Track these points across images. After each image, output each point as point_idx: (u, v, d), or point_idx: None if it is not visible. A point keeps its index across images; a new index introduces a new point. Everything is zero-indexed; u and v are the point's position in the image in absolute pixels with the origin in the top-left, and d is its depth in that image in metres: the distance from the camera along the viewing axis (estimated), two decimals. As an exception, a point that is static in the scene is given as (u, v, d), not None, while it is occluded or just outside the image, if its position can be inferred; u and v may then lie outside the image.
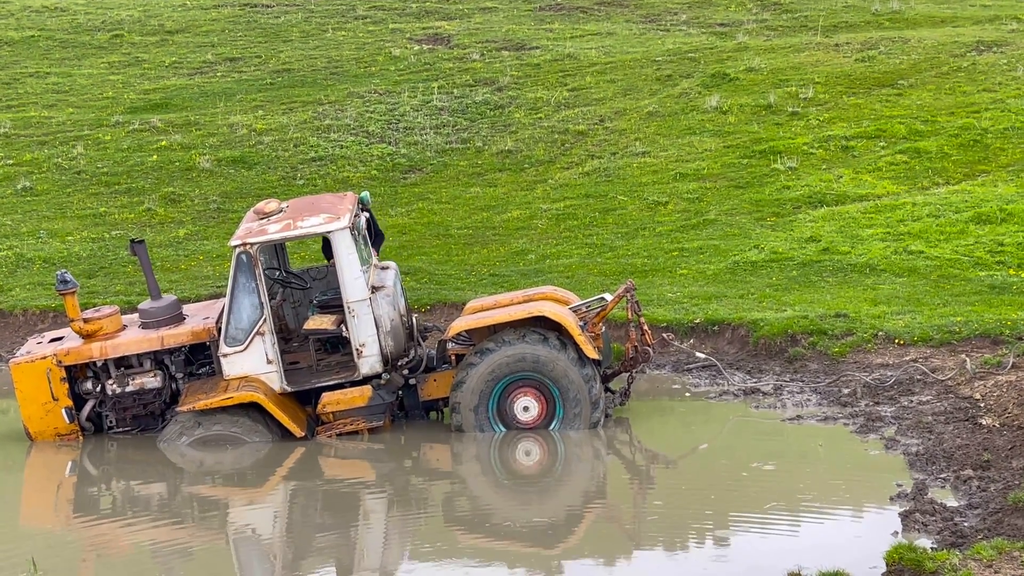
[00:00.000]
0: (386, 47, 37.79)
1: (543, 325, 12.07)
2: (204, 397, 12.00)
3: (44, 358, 12.34)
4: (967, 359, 13.85)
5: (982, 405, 12.22)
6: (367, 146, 29.74)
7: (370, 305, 12.17)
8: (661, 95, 31.27)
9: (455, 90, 33.26)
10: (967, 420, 11.94)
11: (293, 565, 9.99)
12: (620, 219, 23.30)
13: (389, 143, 29.92)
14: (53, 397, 12.30)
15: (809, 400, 13.65)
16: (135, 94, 33.07)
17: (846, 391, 13.66)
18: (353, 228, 12.29)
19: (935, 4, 44.32)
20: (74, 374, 12.55)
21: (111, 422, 12.69)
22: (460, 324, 12.34)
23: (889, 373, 13.97)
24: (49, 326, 18.10)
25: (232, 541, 10.88)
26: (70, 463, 12.26)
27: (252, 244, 11.94)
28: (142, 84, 33.96)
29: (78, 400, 12.59)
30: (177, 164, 28.20)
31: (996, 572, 7.48)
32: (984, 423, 11.67)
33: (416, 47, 37.73)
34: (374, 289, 12.41)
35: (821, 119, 28.09)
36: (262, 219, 12.50)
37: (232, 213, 25.61)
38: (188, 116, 31.47)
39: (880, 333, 15.08)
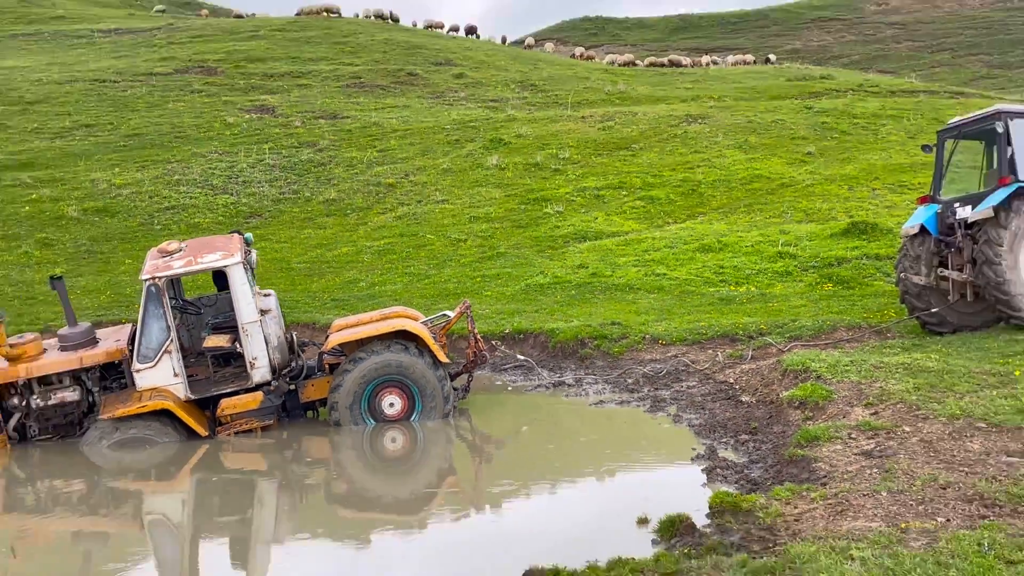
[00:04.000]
0: (221, 115, 38.46)
1: (403, 337, 13.01)
2: (121, 406, 12.45)
3: None
4: (718, 353, 15.09)
5: (737, 387, 13.34)
6: (212, 197, 30.51)
7: (260, 326, 12.94)
8: (452, 155, 33.17)
9: (283, 151, 34.37)
10: (729, 399, 12.93)
11: (198, 543, 10.25)
12: (430, 253, 24.77)
13: (231, 194, 30.79)
14: None
15: (604, 389, 14.55)
16: (3, 155, 32.80)
17: (630, 380, 14.64)
18: (245, 262, 13.08)
19: (652, 87, 48.06)
20: (1, 392, 12.83)
21: (34, 431, 13.04)
22: (336, 339, 13.13)
23: (659, 366, 15.05)
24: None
25: (147, 526, 11.05)
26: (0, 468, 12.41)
27: (160, 277, 12.58)
28: (8, 147, 33.64)
29: (5, 413, 12.86)
30: (47, 214, 28.29)
31: (794, 507, 7.82)
32: (744, 400, 12.74)
33: (247, 116, 38.57)
34: (262, 312, 13.12)
35: (577, 174, 30.44)
36: (165, 256, 13.01)
37: (100, 254, 26.12)
38: (53, 173, 31.46)
39: (647, 336, 16.32)
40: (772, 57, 72.06)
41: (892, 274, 19.66)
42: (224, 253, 13.06)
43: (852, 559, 6.24)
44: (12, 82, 42.44)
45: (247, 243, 13.95)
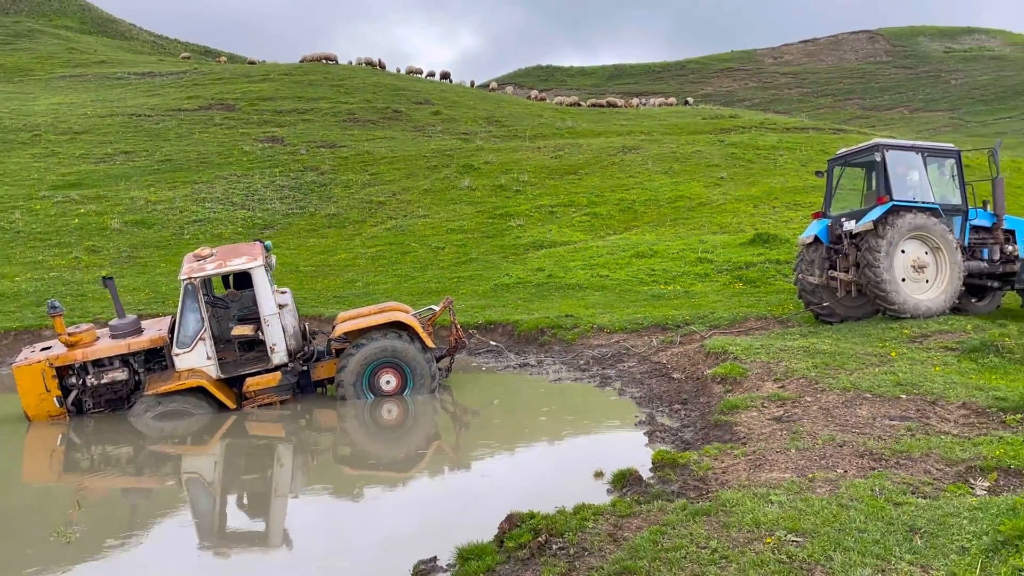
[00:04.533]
0: (239, 145, 38.07)
1: (398, 327, 12.99)
2: (163, 384, 12.38)
3: (39, 362, 12.47)
4: (652, 339, 15.14)
5: (669, 366, 13.37)
6: (233, 212, 30.17)
7: (279, 317, 12.88)
8: (431, 178, 33.12)
9: (291, 174, 34.11)
10: (664, 376, 12.99)
11: (228, 496, 10.10)
12: (414, 259, 24.69)
13: (248, 209, 30.46)
14: (46, 389, 12.45)
15: (561, 369, 14.55)
16: (55, 176, 32.20)
17: (582, 362, 14.66)
18: (266, 265, 13.03)
19: (594, 123, 48.39)
20: (61, 372, 12.67)
21: (89, 405, 12.86)
22: (342, 328, 13.06)
23: (605, 350, 15.08)
24: (12, 342, 18.05)
25: (184, 482, 10.79)
26: (60, 435, 12.27)
27: (196, 278, 12.47)
28: (59, 169, 33.08)
29: (64, 390, 12.72)
30: (94, 225, 27.81)
31: (721, 462, 7.85)
32: (675, 377, 12.76)
33: (260, 145, 38.21)
34: (280, 306, 13.03)
35: (535, 194, 30.55)
36: (200, 260, 12.92)
37: (139, 259, 25.69)
38: (98, 191, 30.93)
39: (594, 325, 16.34)
40: (690, 100, 72.55)
41: (791, 275, 19.91)
42: (248, 258, 12.96)
43: (771, 503, 6.31)
44: (61, 115, 41.70)
45: (267, 249, 13.78)
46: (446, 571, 6.14)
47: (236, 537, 8.48)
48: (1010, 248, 14.58)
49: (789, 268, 20.38)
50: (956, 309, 14.14)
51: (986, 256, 14.51)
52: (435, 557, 6.40)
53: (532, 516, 6.59)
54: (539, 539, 6.11)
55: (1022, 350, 11.34)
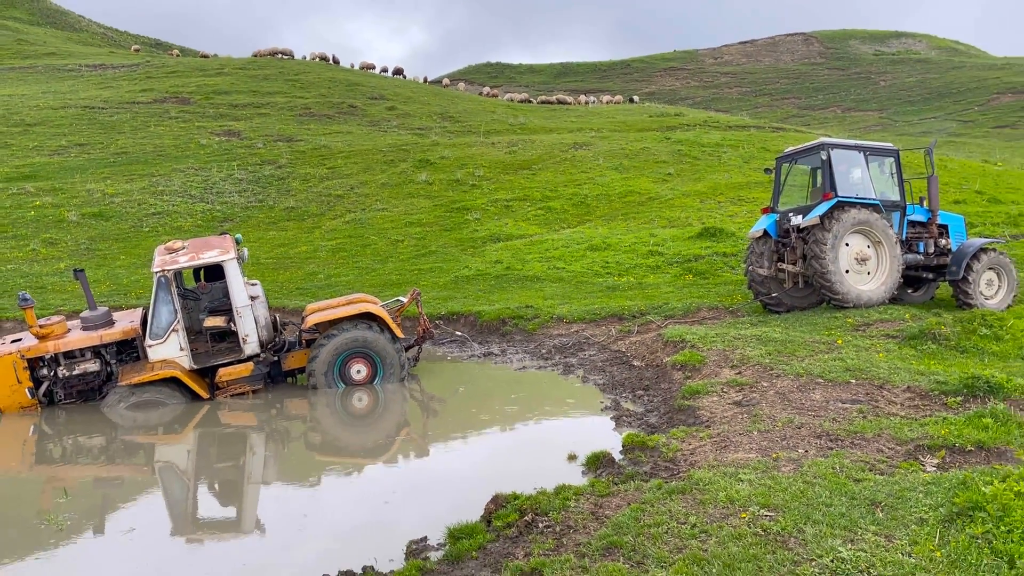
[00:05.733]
0: (195, 138, 37.44)
1: (368, 318, 13.03)
2: (136, 375, 12.24)
3: (10, 354, 12.26)
4: (611, 329, 15.29)
5: (628, 354, 13.54)
6: (191, 204, 29.70)
7: (251, 309, 12.83)
8: (388, 172, 32.99)
9: (248, 167, 33.66)
10: (624, 364, 13.15)
11: (200, 484, 9.93)
12: (374, 251, 24.58)
13: (207, 202, 30.03)
14: (18, 381, 12.24)
15: (524, 358, 14.61)
16: (9, 168, 31.31)
17: (544, 351, 14.76)
18: (238, 258, 12.88)
19: (545, 120, 48.71)
20: (33, 364, 12.47)
21: (60, 396, 12.68)
22: (313, 319, 13.01)
23: (565, 339, 15.20)
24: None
25: (158, 471, 10.56)
26: (32, 426, 12.09)
27: (169, 270, 12.32)
28: (13, 161, 32.13)
29: (36, 382, 12.51)
30: (50, 217, 27.16)
31: (688, 444, 8.00)
32: (635, 364, 12.94)
33: (217, 138, 37.62)
34: (252, 298, 12.99)
35: (490, 188, 30.61)
36: (172, 253, 12.73)
37: (99, 251, 25.18)
38: (53, 184, 30.17)
39: (554, 316, 16.44)
40: (636, 98, 73.22)
41: (737, 267, 20.43)
42: (221, 251, 12.82)
43: (741, 481, 6.55)
44: (13, 107, 40.49)
45: (237, 242, 13.65)
46: (437, 550, 6.25)
47: (227, 525, 8.45)
48: (943, 242, 15.16)
49: (736, 260, 20.87)
50: (893, 299, 14.66)
51: (922, 249, 15.06)
52: (425, 537, 6.51)
53: (516, 497, 6.75)
54: (525, 518, 6.28)
55: (957, 337, 11.84)
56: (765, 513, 5.80)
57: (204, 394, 12.61)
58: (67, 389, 12.72)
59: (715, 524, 5.69)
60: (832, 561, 4.89)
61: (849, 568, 4.77)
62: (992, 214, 25.09)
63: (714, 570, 4.94)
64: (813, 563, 4.92)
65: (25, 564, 7.12)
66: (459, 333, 16.38)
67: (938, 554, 4.86)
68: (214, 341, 13.56)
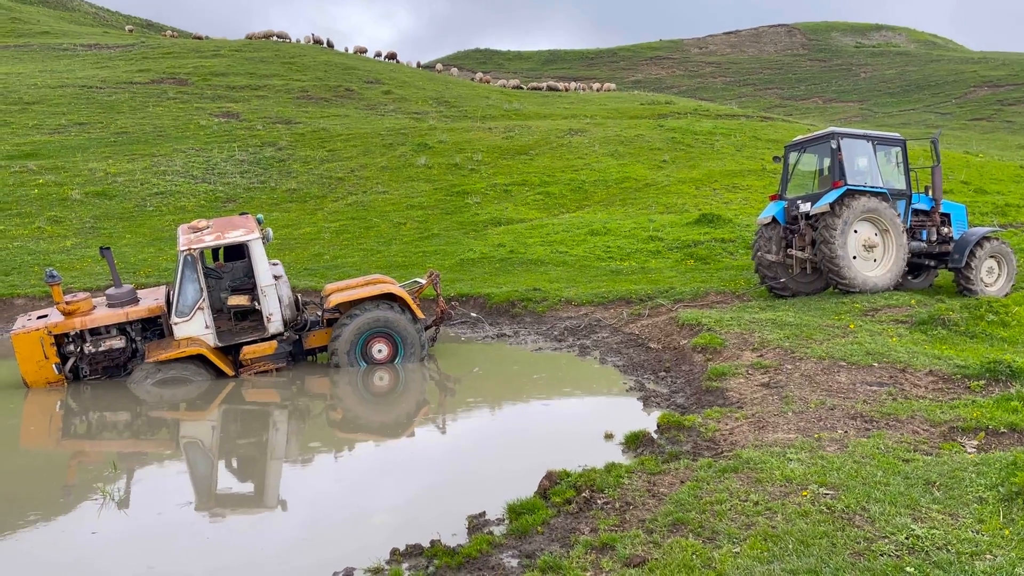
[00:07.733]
0: (194, 119, 36.94)
1: (389, 299, 12.93)
2: (163, 352, 12.13)
3: (37, 329, 12.14)
4: (622, 312, 15.19)
5: (643, 337, 13.49)
6: (194, 185, 29.34)
7: (275, 288, 12.75)
8: (388, 155, 32.67)
9: (249, 148, 33.24)
10: (640, 346, 13.09)
11: (225, 460, 9.81)
12: (377, 234, 24.34)
13: (209, 183, 29.65)
14: (45, 356, 12.13)
15: (538, 339, 14.54)
16: (9, 146, 30.78)
17: (556, 332, 14.66)
18: (263, 237, 12.81)
19: (539, 106, 48.43)
20: (59, 340, 12.36)
21: (86, 372, 12.57)
22: (336, 299, 12.83)
23: (576, 321, 15.13)
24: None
25: (183, 447, 10.41)
26: (59, 402, 11.98)
27: (195, 249, 12.19)
28: (13, 139, 31.58)
29: (62, 358, 12.41)
30: (54, 196, 26.80)
31: (725, 425, 7.95)
32: (652, 347, 12.89)
33: (216, 119, 37.12)
34: (275, 278, 12.91)
35: (489, 172, 30.34)
36: (197, 232, 12.63)
37: (103, 230, 24.87)
38: (55, 162, 29.74)
39: (562, 299, 16.36)
40: (613, 85, 73.01)
41: (736, 253, 20.50)
42: (246, 230, 12.71)
43: (791, 460, 6.58)
44: (10, 85, 39.74)
45: (259, 223, 13.52)
46: (498, 524, 6.24)
47: (294, 499, 8.27)
48: (945, 230, 15.28)
49: (734, 246, 20.93)
50: (895, 285, 14.77)
51: (925, 237, 15.18)
52: (484, 512, 6.49)
53: (568, 474, 6.74)
54: (583, 495, 6.28)
55: (965, 323, 11.94)
56: (825, 492, 5.83)
57: (230, 371, 12.52)
58: (93, 365, 12.60)
59: (777, 502, 5.71)
60: (907, 538, 4.92)
61: (927, 545, 4.81)
62: (980, 203, 25.30)
63: (789, 546, 4.96)
64: (887, 540, 4.95)
65: (98, 536, 6.97)
66: (473, 315, 16.30)
67: (1006, 532, 4.90)
68: (236, 320, 13.43)
